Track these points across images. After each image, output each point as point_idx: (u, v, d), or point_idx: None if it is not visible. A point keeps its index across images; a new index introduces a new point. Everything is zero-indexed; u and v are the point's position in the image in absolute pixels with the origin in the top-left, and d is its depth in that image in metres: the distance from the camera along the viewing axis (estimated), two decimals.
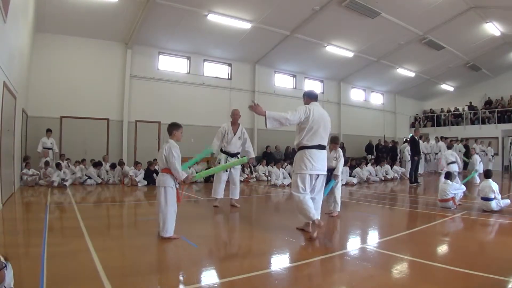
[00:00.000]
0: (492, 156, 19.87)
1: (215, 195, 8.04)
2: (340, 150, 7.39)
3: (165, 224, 4.86)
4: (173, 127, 5.29)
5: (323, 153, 5.37)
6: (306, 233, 5.31)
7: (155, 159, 7.97)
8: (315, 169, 5.23)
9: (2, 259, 2.55)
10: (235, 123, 8.27)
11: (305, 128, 5.34)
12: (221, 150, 8.09)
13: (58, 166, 11.90)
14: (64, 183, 11.53)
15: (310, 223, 5.20)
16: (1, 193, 7.25)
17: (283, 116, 5.13)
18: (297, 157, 5.35)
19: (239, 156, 8.23)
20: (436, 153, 19.17)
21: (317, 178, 5.36)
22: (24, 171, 11.52)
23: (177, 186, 5.05)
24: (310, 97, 5.82)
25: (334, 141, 7.55)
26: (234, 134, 8.12)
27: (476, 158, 14.81)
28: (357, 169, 14.96)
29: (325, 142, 5.46)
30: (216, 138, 8.11)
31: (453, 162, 10.98)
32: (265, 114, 5.00)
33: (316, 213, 5.21)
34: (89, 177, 12.51)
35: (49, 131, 12.99)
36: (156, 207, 5.10)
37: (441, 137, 19.50)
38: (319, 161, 5.27)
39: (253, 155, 8.36)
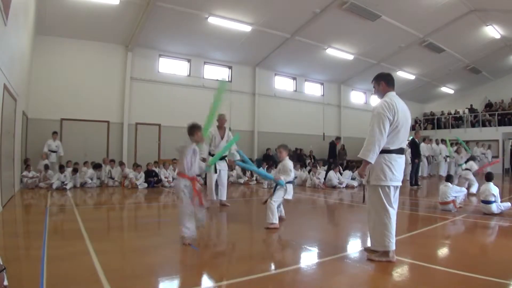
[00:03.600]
0: (491, 159, 19.80)
1: (212, 197, 8.39)
2: (287, 161, 6.52)
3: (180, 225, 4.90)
4: (194, 129, 5.16)
5: (403, 159, 4.29)
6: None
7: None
8: (396, 179, 4.13)
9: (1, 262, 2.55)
10: (221, 128, 8.55)
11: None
12: (210, 154, 8.33)
13: (61, 168, 11.93)
14: (64, 186, 11.53)
15: (390, 252, 4.09)
16: (1, 195, 7.25)
17: (378, 142, 3.97)
18: (375, 165, 4.10)
19: (226, 159, 8.47)
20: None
21: (396, 190, 4.23)
22: (24, 173, 11.52)
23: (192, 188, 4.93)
24: (388, 84, 4.40)
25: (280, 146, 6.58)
26: (222, 138, 8.43)
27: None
28: (356, 172, 14.94)
29: (405, 144, 4.38)
30: (204, 143, 8.19)
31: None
32: (370, 161, 4.02)
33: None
34: (90, 179, 12.51)
35: (55, 133, 13.07)
36: None
37: (442, 140, 19.50)
38: (400, 169, 4.19)
39: (238, 157, 8.31)
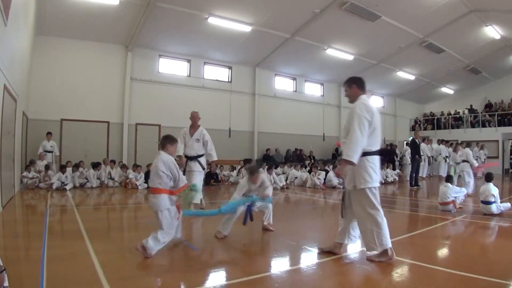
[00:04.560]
0: (484, 160, 19.70)
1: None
2: (262, 176, 5.86)
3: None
4: (166, 140, 4.73)
5: (379, 160, 4.34)
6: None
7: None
8: (378, 179, 4.22)
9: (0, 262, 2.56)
10: (194, 126, 7.96)
11: None
12: (185, 156, 7.77)
13: (62, 169, 11.96)
14: (64, 186, 11.54)
15: (388, 250, 4.10)
16: (1, 196, 7.25)
17: (360, 143, 3.98)
18: (358, 168, 4.09)
19: (199, 159, 7.77)
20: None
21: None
22: (25, 173, 11.51)
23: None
24: (360, 88, 4.42)
25: (253, 170, 5.76)
26: (191, 136, 7.83)
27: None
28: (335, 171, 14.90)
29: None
30: (179, 141, 7.57)
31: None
32: (354, 163, 3.99)
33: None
34: (88, 180, 12.53)
35: (49, 134, 13.03)
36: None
37: (442, 140, 19.51)
38: (379, 170, 4.29)
39: (215, 158, 7.98)
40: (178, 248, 4.78)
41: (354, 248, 4.91)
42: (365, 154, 4.08)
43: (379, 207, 4.13)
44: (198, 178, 7.79)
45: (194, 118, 8.01)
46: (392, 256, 4.08)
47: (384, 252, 4.09)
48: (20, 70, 10.01)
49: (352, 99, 4.39)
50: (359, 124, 4.01)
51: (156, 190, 4.41)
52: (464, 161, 11.07)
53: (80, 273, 3.72)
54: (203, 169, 7.95)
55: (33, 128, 13.00)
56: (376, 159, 4.21)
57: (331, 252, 4.45)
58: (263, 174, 5.94)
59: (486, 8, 14.68)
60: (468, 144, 11.77)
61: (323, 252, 4.50)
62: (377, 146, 4.22)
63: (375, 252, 4.18)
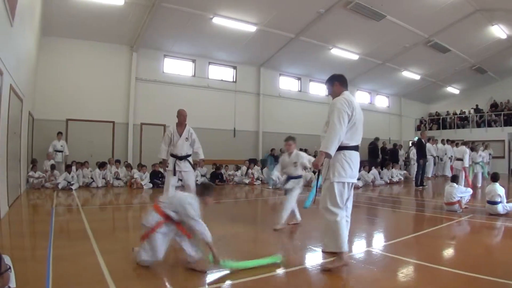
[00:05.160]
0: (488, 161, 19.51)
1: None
2: (299, 152, 6.50)
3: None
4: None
5: (359, 156, 4.27)
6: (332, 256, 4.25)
7: (160, 162, 7.61)
8: (353, 176, 4.14)
9: (9, 261, 2.57)
10: (181, 124, 7.56)
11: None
12: (172, 155, 7.44)
13: (68, 168, 12.01)
14: (70, 186, 11.60)
15: (342, 254, 3.93)
16: (7, 195, 7.29)
17: (338, 135, 3.91)
18: (333, 161, 4.05)
19: (189, 159, 7.54)
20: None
21: (350, 187, 4.21)
22: (31, 173, 11.57)
23: None
24: (342, 84, 4.44)
25: (289, 139, 6.59)
26: (180, 135, 7.43)
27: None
28: (362, 172, 14.91)
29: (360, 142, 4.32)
30: (163, 143, 7.50)
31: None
32: (331, 155, 3.94)
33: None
34: (93, 180, 12.59)
35: (59, 133, 13.11)
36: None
37: (447, 140, 19.42)
38: (356, 166, 4.19)
39: (202, 156, 7.71)
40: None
41: (359, 248, 4.91)
42: (343, 148, 4.03)
43: (342, 206, 4.02)
44: (191, 179, 7.56)
45: (181, 117, 7.61)
46: (347, 261, 3.95)
47: (339, 256, 3.94)
48: (26, 71, 10.06)
49: (335, 95, 4.38)
50: (339, 117, 3.96)
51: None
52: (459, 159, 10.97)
53: (86, 272, 3.74)
54: (194, 168, 7.78)
55: (39, 128, 13.06)
56: (354, 155, 4.12)
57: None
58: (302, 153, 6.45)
59: (492, 8, 14.59)
60: (464, 143, 11.67)
61: (326, 252, 4.41)
62: (356, 142, 4.16)
63: (329, 260, 4.11)
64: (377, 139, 19.63)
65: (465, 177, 11.87)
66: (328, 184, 4.07)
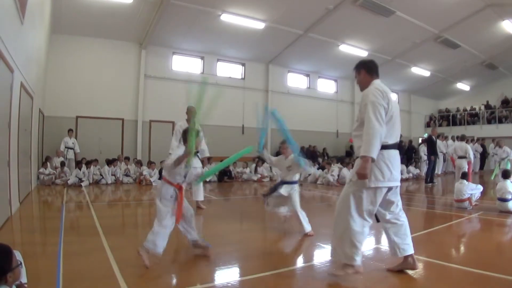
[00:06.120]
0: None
1: None
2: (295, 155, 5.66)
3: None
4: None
5: (399, 156, 3.67)
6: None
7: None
8: (394, 179, 3.53)
9: (20, 257, 2.60)
10: (190, 121, 7.31)
11: None
12: None
13: (79, 165, 12.12)
14: (81, 183, 11.69)
15: (355, 266, 3.49)
16: (18, 192, 7.36)
17: (379, 134, 3.33)
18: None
19: (198, 155, 7.36)
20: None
21: (393, 191, 3.66)
22: (41, 170, 11.69)
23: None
24: (369, 72, 3.87)
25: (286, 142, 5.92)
26: None
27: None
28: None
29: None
30: (174, 139, 7.52)
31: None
32: (374, 159, 3.34)
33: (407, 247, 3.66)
34: (103, 177, 12.68)
35: (70, 131, 13.23)
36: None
37: (457, 137, 19.22)
38: (397, 167, 3.58)
39: (207, 154, 7.81)
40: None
41: (368, 245, 4.88)
42: (381, 147, 3.41)
43: (369, 216, 3.50)
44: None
45: (191, 114, 7.57)
46: (359, 269, 3.52)
47: (348, 265, 3.50)
48: (36, 68, 10.15)
49: (363, 85, 3.84)
50: (375, 113, 3.38)
51: (163, 178, 4.21)
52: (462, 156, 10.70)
53: (96, 268, 3.77)
54: (203, 165, 7.80)
55: (49, 125, 13.17)
56: (393, 154, 3.54)
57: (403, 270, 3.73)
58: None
59: (503, 3, 14.39)
60: (462, 137, 11.37)
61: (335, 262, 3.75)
62: (395, 139, 3.59)
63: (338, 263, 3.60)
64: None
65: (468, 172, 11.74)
66: (356, 186, 3.49)
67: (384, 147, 3.45)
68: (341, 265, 3.52)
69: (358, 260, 3.44)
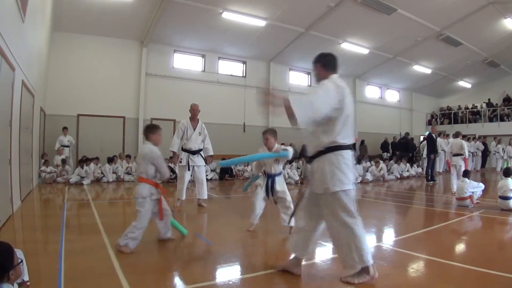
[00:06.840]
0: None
1: (179, 196, 7.61)
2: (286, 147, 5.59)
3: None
4: (147, 130, 4.68)
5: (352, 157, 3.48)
6: None
7: (171, 157, 7.79)
8: (354, 180, 3.43)
9: (21, 255, 2.61)
10: (194, 119, 7.75)
11: (336, 118, 3.25)
12: (182, 149, 7.66)
13: (80, 163, 12.13)
14: (82, 181, 11.70)
15: (370, 267, 3.37)
16: (20, 190, 7.37)
17: (317, 104, 3.09)
18: (330, 164, 3.30)
19: (201, 153, 7.73)
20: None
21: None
22: (43, 168, 11.70)
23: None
24: (325, 67, 3.61)
25: (267, 132, 5.90)
26: (194, 130, 7.64)
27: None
28: (372, 167, 14.85)
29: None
30: (176, 136, 7.65)
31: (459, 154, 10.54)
32: (289, 102, 2.99)
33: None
34: (104, 175, 12.69)
35: (65, 128, 13.21)
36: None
37: (453, 134, 19.18)
38: (353, 170, 3.47)
39: (211, 152, 7.83)
40: (193, 242, 4.81)
41: (369, 243, 4.88)
42: (339, 148, 3.29)
43: (356, 213, 3.34)
44: (203, 173, 7.79)
45: (195, 111, 7.79)
46: (374, 275, 3.37)
47: (365, 269, 3.36)
48: (38, 66, 10.15)
49: (318, 81, 3.59)
50: (326, 90, 3.22)
51: (140, 179, 4.58)
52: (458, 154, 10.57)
53: (97, 266, 3.78)
54: (206, 163, 7.91)
55: (51, 123, 13.18)
56: (351, 156, 3.38)
57: (287, 271, 3.65)
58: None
59: (505, 0, 14.36)
60: (457, 134, 11.25)
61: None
62: (352, 139, 3.40)
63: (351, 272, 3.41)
64: (407, 134, 19.98)
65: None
66: (330, 196, 3.33)
67: (343, 147, 3.31)
68: (357, 273, 3.38)
69: (370, 259, 3.33)
